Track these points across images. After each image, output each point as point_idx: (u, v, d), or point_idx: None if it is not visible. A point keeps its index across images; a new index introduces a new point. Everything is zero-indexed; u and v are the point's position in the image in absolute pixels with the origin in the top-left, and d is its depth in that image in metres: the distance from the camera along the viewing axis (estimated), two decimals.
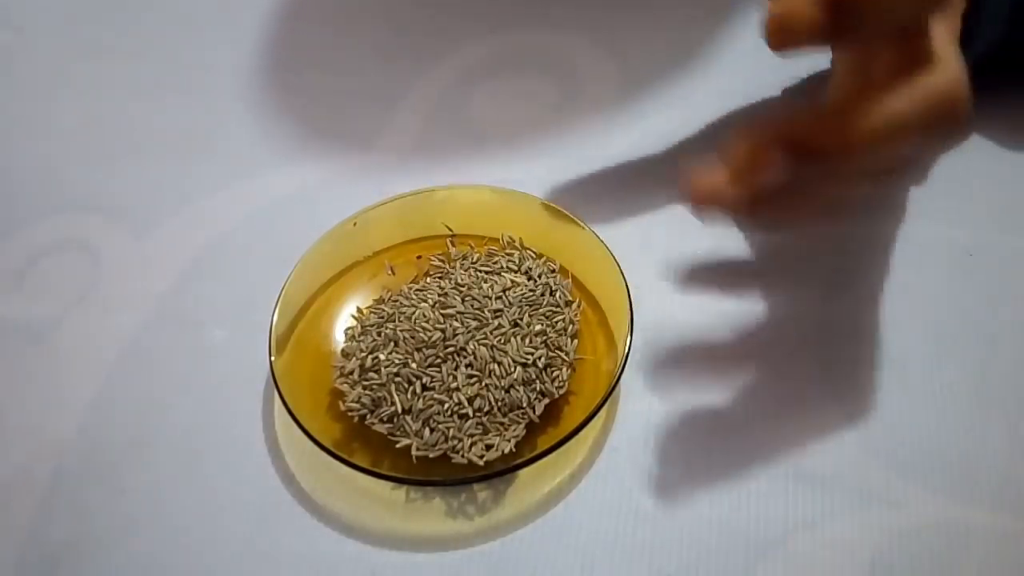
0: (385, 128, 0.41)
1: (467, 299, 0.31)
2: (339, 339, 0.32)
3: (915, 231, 0.34)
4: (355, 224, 0.34)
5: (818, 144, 0.24)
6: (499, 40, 0.45)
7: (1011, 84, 0.36)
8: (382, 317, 0.31)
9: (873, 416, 0.30)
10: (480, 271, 0.33)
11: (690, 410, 0.30)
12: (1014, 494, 0.28)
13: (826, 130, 0.24)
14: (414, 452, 0.28)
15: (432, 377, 0.29)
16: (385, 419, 0.29)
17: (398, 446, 0.28)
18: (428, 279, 0.33)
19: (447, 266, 0.33)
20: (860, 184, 0.27)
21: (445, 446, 0.28)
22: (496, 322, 0.31)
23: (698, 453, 0.29)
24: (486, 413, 0.29)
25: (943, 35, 0.26)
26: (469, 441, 0.28)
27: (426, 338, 0.30)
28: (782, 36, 0.23)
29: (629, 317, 0.30)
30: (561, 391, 0.30)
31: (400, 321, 0.31)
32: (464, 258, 0.34)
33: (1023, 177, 0.36)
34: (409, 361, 0.30)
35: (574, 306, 0.32)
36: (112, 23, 0.49)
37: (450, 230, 0.35)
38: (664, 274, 0.34)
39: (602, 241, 0.32)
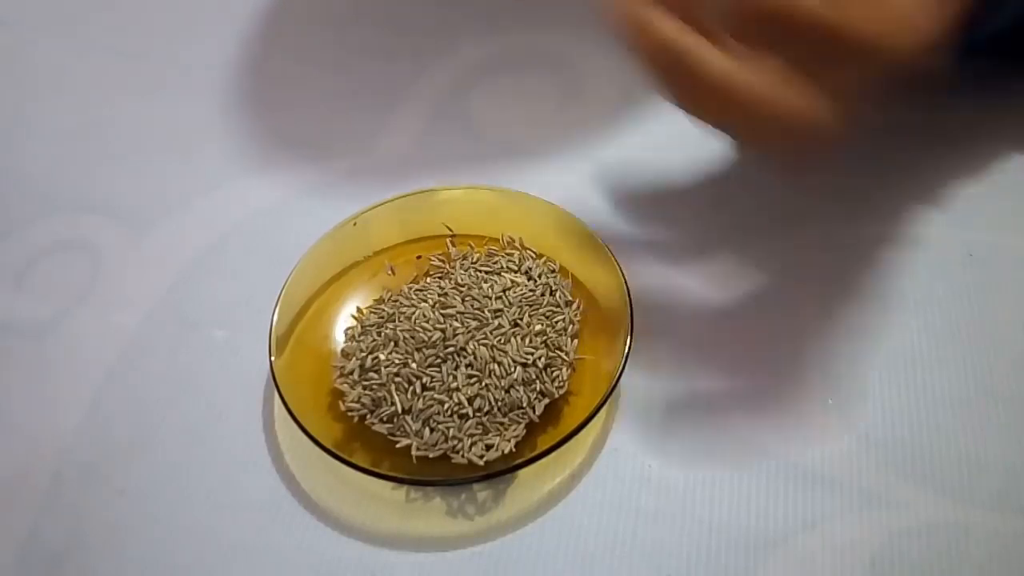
0: (385, 128, 0.41)
1: (467, 299, 0.31)
2: (339, 339, 0.32)
3: (915, 231, 0.34)
4: (355, 224, 0.34)
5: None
6: (499, 40, 0.45)
7: (1018, 74, 0.36)
8: (382, 317, 0.31)
9: (873, 416, 0.30)
10: (480, 271, 0.33)
11: (690, 410, 0.30)
12: (1014, 494, 0.28)
13: None
14: (414, 452, 0.28)
15: (432, 377, 0.29)
16: (385, 419, 0.29)
17: (398, 446, 0.28)
18: (428, 279, 0.33)
19: (447, 266, 0.33)
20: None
21: (445, 446, 0.28)
22: (496, 322, 0.31)
23: (698, 453, 0.29)
24: (486, 413, 0.29)
25: None
26: (469, 441, 0.28)
27: (426, 338, 0.30)
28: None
29: (629, 317, 0.30)
30: (561, 391, 0.30)
31: (400, 321, 0.31)
32: (464, 258, 0.34)
33: (1022, 178, 0.36)
34: (409, 361, 0.30)
35: (574, 306, 0.32)
36: (112, 23, 0.49)
37: (450, 230, 0.35)
38: (664, 274, 0.34)
39: (602, 241, 0.32)
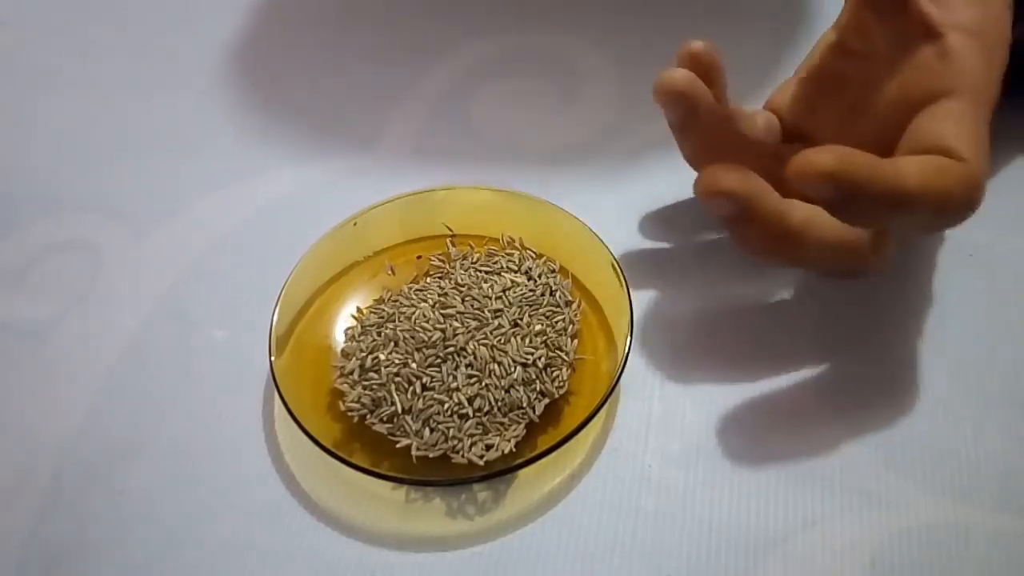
0: (385, 128, 0.41)
1: (467, 299, 0.31)
2: (339, 339, 0.32)
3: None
4: (355, 224, 0.34)
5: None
6: (499, 40, 0.45)
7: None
8: (382, 317, 0.31)
9: (873, 416, 0.30)
10: (480, 271, 0.33)
11: (689, 410, 0.30)
12: (1014, 494, 0.28)
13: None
14: (414, 452, 0.28)
15: (432, 377, 0.29)
16: (385, 419, 0.29)
17: (398, 446, 0.28)
18: (428, 279, 0.33)
19: (447, 266, 0.33)
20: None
21: (445, 446, 0.28)
22: (496, 322, 0.31)
23: (698, 453, 0.29)
24: (486, 413, 0.29)
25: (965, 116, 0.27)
26: (469, 441, 0.28)
27: (426, 338, 0.30)
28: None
29: (629, 317, 0.30)
30: (561, 391, 0.30)
31: (400, 321, 0.31)
32: (464, 258, 0.34)
33: (1022, 177, 0.36)
34: (409, 361, 0.30)
35: (574, 306, 0.32)
36: (112, 21, 0.49)
37: (450, 230, 0.35)
38: (665, 273, 0.34)
39: (602, 241, 0.32)
